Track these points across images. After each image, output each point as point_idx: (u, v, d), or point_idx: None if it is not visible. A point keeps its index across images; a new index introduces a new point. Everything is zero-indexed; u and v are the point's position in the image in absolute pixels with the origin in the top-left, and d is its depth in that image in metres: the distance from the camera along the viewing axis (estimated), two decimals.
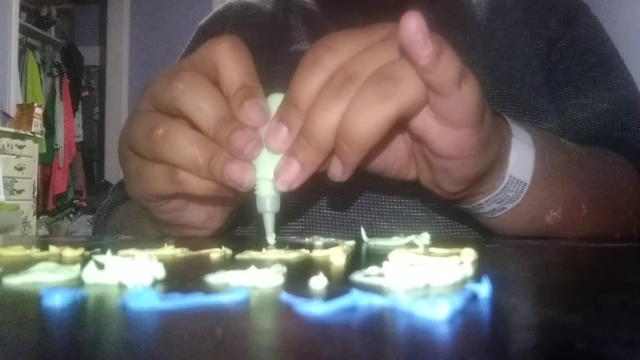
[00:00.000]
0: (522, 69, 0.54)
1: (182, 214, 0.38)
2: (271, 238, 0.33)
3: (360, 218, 0.48)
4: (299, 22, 0.61)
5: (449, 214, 0.47)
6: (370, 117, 0.28)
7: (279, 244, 0.33)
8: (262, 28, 0.61)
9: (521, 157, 0.36)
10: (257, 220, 0.37)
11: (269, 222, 0.33)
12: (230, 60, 0.32)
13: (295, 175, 0.30)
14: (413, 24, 0.26)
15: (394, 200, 0.48)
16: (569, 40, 0.57)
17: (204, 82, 0.32)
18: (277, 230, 0.34)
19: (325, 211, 0.49)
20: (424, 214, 0.48)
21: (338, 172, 0.30)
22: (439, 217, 0.48)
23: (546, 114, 0.52)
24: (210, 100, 0.31)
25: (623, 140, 0.50)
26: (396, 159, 0.35)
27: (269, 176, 0.32)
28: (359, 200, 0.49)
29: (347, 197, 0.49)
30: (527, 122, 0.49)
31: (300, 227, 0.48)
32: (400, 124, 0.32)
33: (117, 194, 0.58)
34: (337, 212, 0.49)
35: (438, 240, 0.32)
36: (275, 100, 0.32)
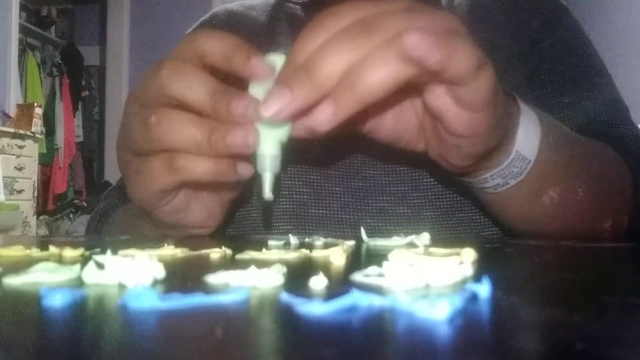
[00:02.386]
0: (503, 69, 0.55)
1: (184, 215, 0.38)
2: (267, 197, 0.34)
3: (346, 216, 0.49)
4: (285, 29, 0.61)
5: (435, 212, 0.48)
6: (387, 70, 0.28)
7: (279, 245, 0.33)
8: (248, 34, 0.61)
9: (528, 135, 0.37)
10: (257, 181, 0.36)
11: (267, 181, 0.34)
12: (212, 39, 0.32)
13: (284, 104, 0.29)
14: (414, 39, 0.26)
15: (380, 198, 0.49)
16: (550, 41, 0.58)
17: (187, 64, 0.32)
18: (275, 191, 0.34)
19: (312, 211, 0.49)
20: (409, 211, 0.49)
21: (326, 115, 0.29)
22: (425, 214, 0.49)
23: None
24: (198, 77, 0.32)
25: (606, 133, 0.51)
26: (407, 131, 0.36)
27: (269, 135, 0.32)
28: (345, 199, 0.49)
29: (334, 196, 0.50)
30: None
31: (288, 227, 0.49)
32: (416, 95, 0.33)
33: (109, 202, 0.58)
34: (324, 212, 0.49)
35: (438, 240, 0.33)
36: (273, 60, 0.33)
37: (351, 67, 0.28)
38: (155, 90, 0.32)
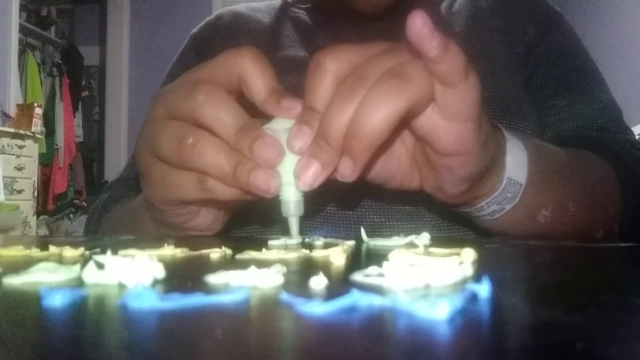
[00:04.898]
0: (501, 73, 0.56)
1: (193, 217, 0.39)
2: (296, 240, 0.34)
3: (350, 212, 0.50)
4: (289, 30, 0.63)
5: (437, 207, 0.48)
6: (381, 111, 0.29)
7: (279, 244, 0.33)
8: (252, 35, 0.63)
9: (516, 160, 0.38)
10: (281, 223, 0.38)
11: (293, 225, 0.35)
12: (255, 71, 0.34)
13: (315, 175, 0.32)
14: (419, 20, 0.28)
15: (382, 195, 0.49)
16: (546, 46, 0.60)
17: (222, 93, 0.33)
18: (301, 231, 0.35)
19: (316, 207, 0.50)
20: (411, 208, 0.49)
21: (347, 170, 0.31)
22: (426, 210, 0.49)
23: (524, 114, 0.54)
24: (229, 110, 0.33)
25: (599, 140, 0.52)
26: (399, 167, 0.36)
27: (291, 181, 0.33)
28: (348, 195, 0.50)
29: (337, 193, 0.50)
30: (506, 121, 0.52)
31: None
32: (403, 127, 0.34)
33: (111, 194, 0.59)
34: (327, 208, 0.50)
35: (438, 240, 0.33)
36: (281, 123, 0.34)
37: (354, 115, 0.30)
38: (187, 111, 0.33)
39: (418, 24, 0.28)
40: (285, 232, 0.36)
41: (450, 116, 0.31)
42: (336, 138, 0.31)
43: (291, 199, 0.34)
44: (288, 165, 0.33)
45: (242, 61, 0.34)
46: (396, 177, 0.37)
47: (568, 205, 0.42)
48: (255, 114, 0.34)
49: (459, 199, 0.37)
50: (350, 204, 0.50)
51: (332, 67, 0.32)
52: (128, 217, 0.50)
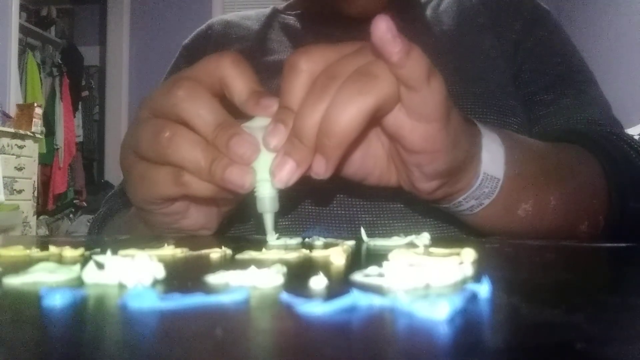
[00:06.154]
0: (489, 69, 0.57)
1: (182, 217, 0.39)
2: (271, 236, 0.34)
3: (342, 212, 0.50)
4: (278, 36, 0.64)
5: (427, 206, 0.48)
6: (350, 110, 0.30)
7: (279, 244, 0.33)
8: (242, 41, 0.64)
9: (492, 155, 0.38)
10: (256, 219, 0.39)
11: (268, 221, 0.35)
12: (235, 73, 0.34)
13: (290, 172, 0.32)
14: (383, 25, 0.29)
15: (375, 194, 0.49)
16: (533, 42, 0.60)
17: (202, 90, 0.34)
18: (276, 228, 0.35)
19: (308, 207, 0.50)
20: (403, 206, 0.50)
21: (321, 169, 0.32)
22: (419, 208, 0.49)
23: (512, 110, 0.54)
24: (208, 106, 0.33)
25: (585, 133, 0.52)
26: (376, 164, 0.37)
27: (267, 177, 0.33)
28: (340, 195, 0.50)
29: (329, 193, 0.50)
30: (495, 117, 0.53)
31: (285, 224, 0.50)
32: (375, 125, 0.34)
33: (109, 207, 0.60)
34: (320, 208, 0.50)
35: (438, 240, 0.33)
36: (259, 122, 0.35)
37: (325, 114, 0.31)
38: (168, 107, 0.34)
39: (382, 29, 0.28)
40: (260, 228, 0.36)
41: (415, 117, 0.32)
42: (309, 136, 0.31)
43: (266, 196, 0.34)
44: (264, 162, 0.33)
45: (223, 65, 0.34)
46: (374, 174, 0.37)
47: (549, 198, 0.42)
48: (237, 117, 0.35)
49: (432, 195, 0.37)
50: (344, 204, 0.50)
51: (305, 67, 0.32)
52: (124, 227, 0.51)
